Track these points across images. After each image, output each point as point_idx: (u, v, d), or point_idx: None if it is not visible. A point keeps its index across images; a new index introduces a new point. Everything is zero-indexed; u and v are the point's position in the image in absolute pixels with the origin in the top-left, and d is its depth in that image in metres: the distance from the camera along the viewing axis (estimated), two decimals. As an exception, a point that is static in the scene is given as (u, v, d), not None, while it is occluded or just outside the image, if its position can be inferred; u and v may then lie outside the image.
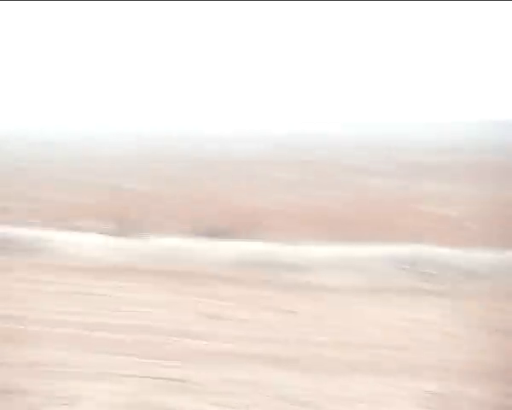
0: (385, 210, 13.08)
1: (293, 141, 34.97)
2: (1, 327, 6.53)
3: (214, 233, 10.24)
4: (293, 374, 5.47)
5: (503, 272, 8.17)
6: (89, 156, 26.81)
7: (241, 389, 5.17)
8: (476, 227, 11.44)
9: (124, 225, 11.14)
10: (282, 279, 8.12)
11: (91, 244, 10.05)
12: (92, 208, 12.81)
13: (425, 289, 7.76)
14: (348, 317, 6.91)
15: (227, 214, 12.30)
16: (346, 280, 7.98)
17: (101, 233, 10.69)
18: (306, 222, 11.78)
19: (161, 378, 5.34)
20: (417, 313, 6.95)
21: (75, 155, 28.09)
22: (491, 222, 11.80)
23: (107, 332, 6.41)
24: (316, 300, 7.41)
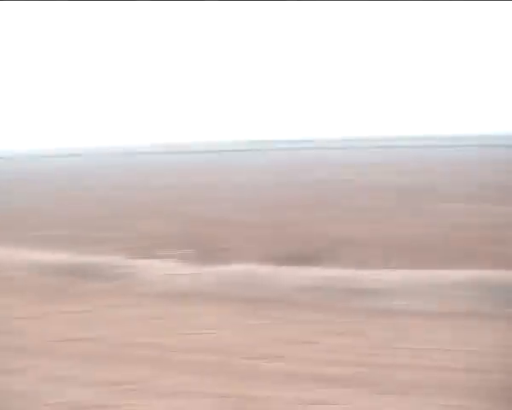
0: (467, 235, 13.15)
1: (372, 168, 35.72)
2: (85, 348, 6.89)
3: (293, 259, 10.31)
4: (364, 394, 5.63)
5: None
6: (169, 184, 27.33)
7: (313, 408, 5.40)
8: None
9: (204, 253, 11.35)
10: (358, 304, 8.25)
11: (172, 271, 10.36)
12: (174, 236, 12.94)
13: (505, 313, 7.72)
14: (419, 339, 6.96)
15: (307, 241, 12.58)
16: (429, 305, 8.07)
17: (182, 260, 10.92)
18: (388, 249, 11.84)
19: (236, 396, 5.56)
20: (493, 337, 6.96)
21: (156, 183, 28.57)
22: None
23: (184, 353, 6.67)
24: (385, 323, 7.51)
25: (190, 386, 5.78)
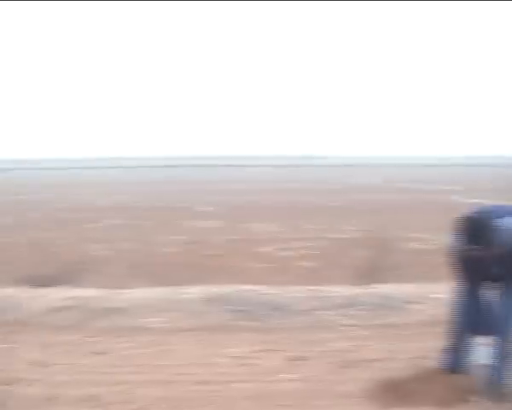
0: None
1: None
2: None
3: (38, 281, 9.93)
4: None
5: (316, 306, 8.63)
6: None
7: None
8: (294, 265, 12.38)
9: None
10: (105, 324, 8.08)
11: None
12: None
13: (238, 325, 8.05)
14: (161, 355, 7.02)
15: (57, 261, 12.35)
16: (161, 320, 8.10)
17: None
18: (131, 267, 12.07)
19: None
20: (228, 348, 7.19)
21: None
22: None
23: None
24: (129, 341, 7.44)
25: None
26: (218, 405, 5.73)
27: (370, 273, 10.12)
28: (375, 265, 10.73)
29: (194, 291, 9.01)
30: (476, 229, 5.50)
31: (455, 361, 6.25)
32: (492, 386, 5.83)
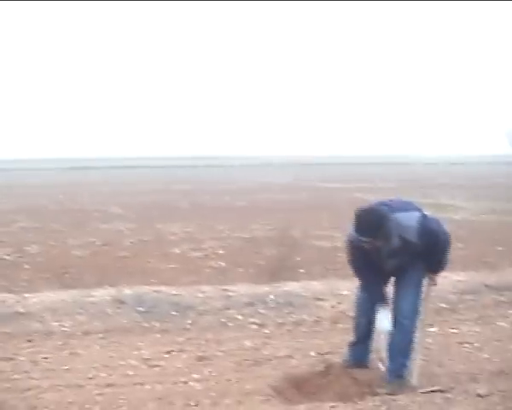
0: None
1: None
2: None
3: None
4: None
5: (225, 306, 8.81)
6: None
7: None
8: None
9: None
10: (5, 328, 7.97)
11: None
12: None
13: (148, 326, 8.13)
14: (69, 359, 7.01)
15: None
16: (70, 324, 8.07)
17: None
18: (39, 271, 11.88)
19: None
20: (137, 350, 7.27)
21: None
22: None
23: None
24: (37, 345, 7.41)
25: None
26: (126, 407, 5.77)
27: (278, 272, 10.29)
28: (283, 263, 10.88)
29: (104, 293, 8.96)
30: (370, 222, 5.73)
31: (359, 355, 6.48)
32: (394, 379, 6.07)
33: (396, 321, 6.14)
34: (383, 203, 6.07)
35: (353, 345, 6.57)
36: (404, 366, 6.18)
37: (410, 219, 5.85)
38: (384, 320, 6.09)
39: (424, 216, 5.95)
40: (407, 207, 6.11)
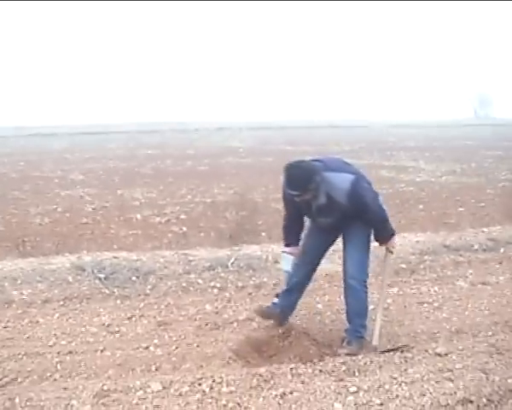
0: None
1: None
2: None
3: None
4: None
5: (185, 270, 8.81)
6: None
7: None
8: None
9: None
10: None
11: None
12: None
13: (107, 293, 8.02)
14: (29, 328, 6.95)
15: None
16: (29, 292, 7.94)
17: None
18: None
19: None
20: (97, 316, 7.27)
21: None
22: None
23: None
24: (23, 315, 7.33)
25: None
26: (86, 374, 5.75)
27: (240, 235, 10.32)
28: (245, 227, 10.90)
29: (64, 261, 8.87)
30: (298, 176, 5.76)
31: (285, 302, 6.61)
32: (353, 339, 6.14)
33: (345, 283, 6.23)
34: (318, 160, 6.07)
35: (282, 293, 6.67)
36: (362, 326, 6.24)
37: (341, 180, 5.83)
38: (286, 262, 6.35)
39: (357, 180, 5.90)
40: (343, 168, 6.09)
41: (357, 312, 6.22)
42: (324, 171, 5.83)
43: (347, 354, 5.95)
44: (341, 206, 5.87)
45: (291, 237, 6.37)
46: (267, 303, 6.90)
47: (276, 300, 6.68)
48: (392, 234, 6.27)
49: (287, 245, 6.39)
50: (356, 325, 6.21)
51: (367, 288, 6.25)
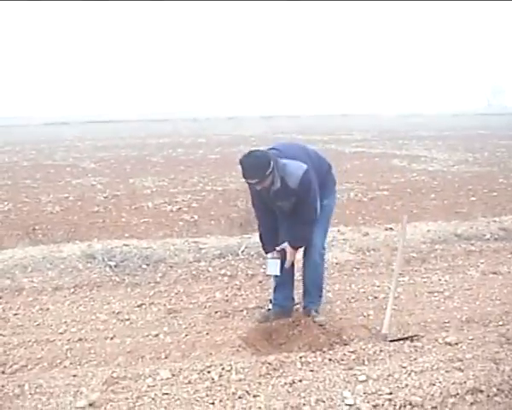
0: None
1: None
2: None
3: None
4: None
5: (195, 258, 8.85)
6: None
7: None
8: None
9: None
10: None
11: None
12: None
13: (118, 280, 8.07)
14: (39, 315, 6.99)
15: None
16: (40, 280, 8.00)
17: None
18: (10, 228, 11.89)
19: None
20: (108, 304, 7.30)
21: None
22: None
23: None
24: (7, 302, 7.39)
25: None
26: (96, 361, 5.76)
27: (250, 223, 10.25)
28: (254, 215, 10.87)
29: (75, 248, 8.92)
30: (253, 166, 5.81)
31: (280, 300, 6.69)
32: (314, 310, 6.51)
33: (309, 257, 6.53)
34: (274, 148, 6.22)
35: (274, 291, 6.73)
36: (319, 296, 6.72)
37: (295, 167, 5.96)
38: (274, 266, 6.41)
39: (309, 171, 6.00)
40: (299, 156, 6.16)
41: (315, 283, 6.64)
42: (279, 157, 5.99)
43: (320, 325, 6.30)
44: (294, 191, 6.01)
45: (269, 246, 6.45)
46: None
47: (270, 305, 6.79)
48: (301, 246, 6.39)
49: (267, 252, 6.49)
50: (315, 295, 6.65)
51: (324, 260, 6.67)
